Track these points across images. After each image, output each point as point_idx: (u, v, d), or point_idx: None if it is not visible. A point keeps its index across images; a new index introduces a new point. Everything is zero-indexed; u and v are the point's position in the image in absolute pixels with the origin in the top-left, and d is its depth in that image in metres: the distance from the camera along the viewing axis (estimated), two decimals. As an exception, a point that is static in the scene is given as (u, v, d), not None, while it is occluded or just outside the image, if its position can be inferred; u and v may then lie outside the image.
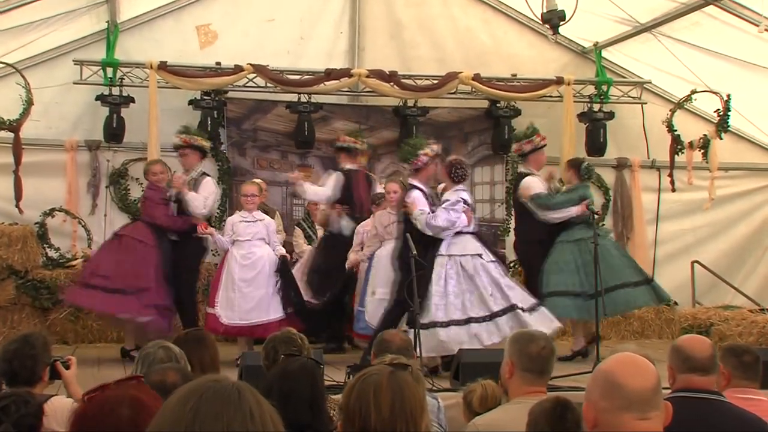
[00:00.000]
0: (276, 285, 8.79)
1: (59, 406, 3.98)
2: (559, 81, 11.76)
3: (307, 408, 3.77)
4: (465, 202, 8.16)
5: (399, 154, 8.97)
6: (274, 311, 8.70)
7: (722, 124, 11.20)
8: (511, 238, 11.83)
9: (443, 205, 8.13)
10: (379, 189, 9.60)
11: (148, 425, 2.29)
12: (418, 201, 8.14)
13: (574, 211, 9.23)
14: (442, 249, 8.13)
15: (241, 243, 8.83)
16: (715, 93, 11.17)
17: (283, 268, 8.92)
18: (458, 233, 8.22)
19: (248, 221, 8.89)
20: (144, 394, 2.43)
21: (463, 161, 8.53)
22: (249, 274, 8.74)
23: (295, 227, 10.92)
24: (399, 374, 2.81)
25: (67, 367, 4.55)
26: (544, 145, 9.70)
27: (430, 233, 8.05)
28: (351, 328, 9.26)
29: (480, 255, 8.18)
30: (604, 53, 12.20)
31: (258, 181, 9.60)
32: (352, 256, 9.20)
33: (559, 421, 3.26)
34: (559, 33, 9.67)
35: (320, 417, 3.82)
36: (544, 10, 9.26)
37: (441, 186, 8.61)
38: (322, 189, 9.63)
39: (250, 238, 8.83)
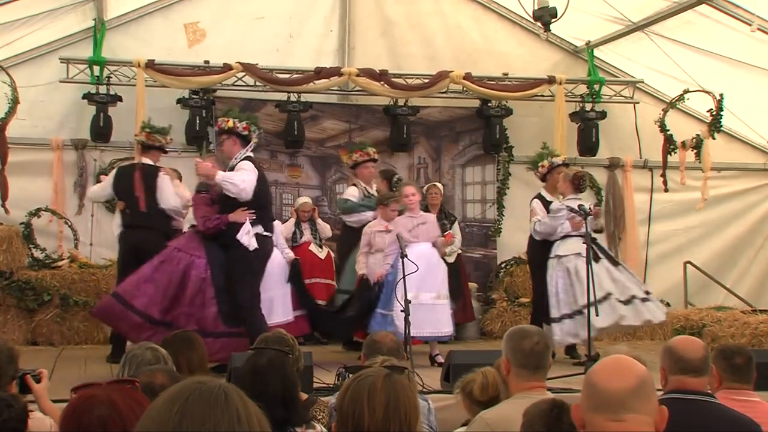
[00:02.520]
0: (286, 288, 8.66)
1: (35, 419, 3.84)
2: (551, 80, 11.72)
3: (279, 403, 3.72)
4: (571, 209, 8.77)
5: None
6: (283, 313, 8.57)
7: (715, 124, 11.18)
8: (502, 239, 11.83)
9: (549, 214, 9.15)
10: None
11: (117, 428, 2.25)
12: (536, 209, 9.35)
13: (369, 215, 9.35)
14: (552, 252, 9.09)
15: None
16: (708, 92, 11.15)
17: (295, 271, 8.80)
18: (566, 236, 9.03)
19: None
20: (123, 397, 2.42)
21: (582, 174, 9.32)
22: None
23: None
24: (394, 377, 2.82)
25: (38, 381, 4.32)
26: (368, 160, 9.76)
27: (537, 238, 9.27)
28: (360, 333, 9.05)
29: (579, 253, 8.78)
30: (596, 52, 12.17)
31: None
32: (361, 259, 9.02)
33: (555, 423, 3.21)
34: (550, 30, 9.60)
35: (295, 410, 3.77)
36: (536, 8, 9.20)
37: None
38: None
39: None
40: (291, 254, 8.90)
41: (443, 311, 8.66)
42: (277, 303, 8.55)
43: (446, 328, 8.67)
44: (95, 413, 2.37)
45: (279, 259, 8.70)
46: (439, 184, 10.62)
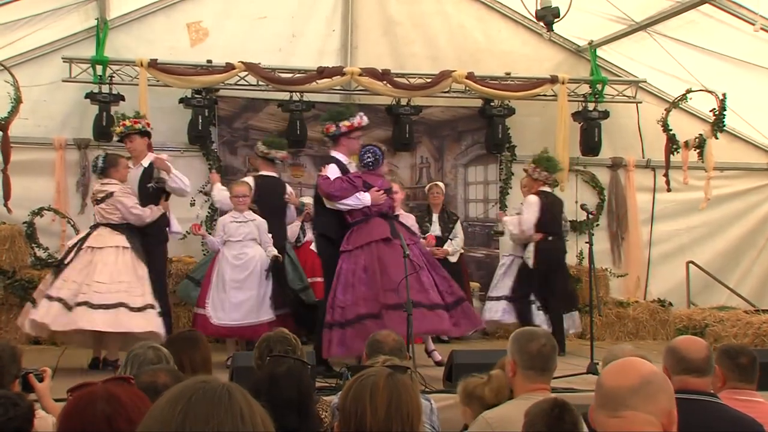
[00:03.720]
0: (268, 286, 8.67)
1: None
2: (554, 80, 11.70)
3: (294, 412, 3.71)
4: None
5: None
6: (265, 313, 8.59)
7: (718, 124, 11.19)
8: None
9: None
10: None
11: (123, 422, 2.24)
12: None
13: None
14: None
15: (232, 244, 8.74)
16: (711, 92, 11.15)
17: (275, 269, 8.80)
18: None
19: (239, 222, 8.79)
20: (125, 392, 2.41)
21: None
22: (241, 274, 8.63)
23: None
24: (397, 376, 2.83)
25: (41, 380, 4.33)
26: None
27: None
28: None
29: None
30: (599, 52, 12.15)
31: (248, 180, 9.46)
32: None
33: (556, 423, 3.21)
34: (553, 30, 9.60)
35: (307, 420, 3.77)
36: (539, 7, 9.20)
37: None
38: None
39: (242, 239, 8.72)
40: (274, 251, 8.88)
41: None
42: (257, 301, 8.61)
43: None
44: (98, 408, 2.35)
45: (263, 258, 8.76)
46: (440, 184, 10.62)
